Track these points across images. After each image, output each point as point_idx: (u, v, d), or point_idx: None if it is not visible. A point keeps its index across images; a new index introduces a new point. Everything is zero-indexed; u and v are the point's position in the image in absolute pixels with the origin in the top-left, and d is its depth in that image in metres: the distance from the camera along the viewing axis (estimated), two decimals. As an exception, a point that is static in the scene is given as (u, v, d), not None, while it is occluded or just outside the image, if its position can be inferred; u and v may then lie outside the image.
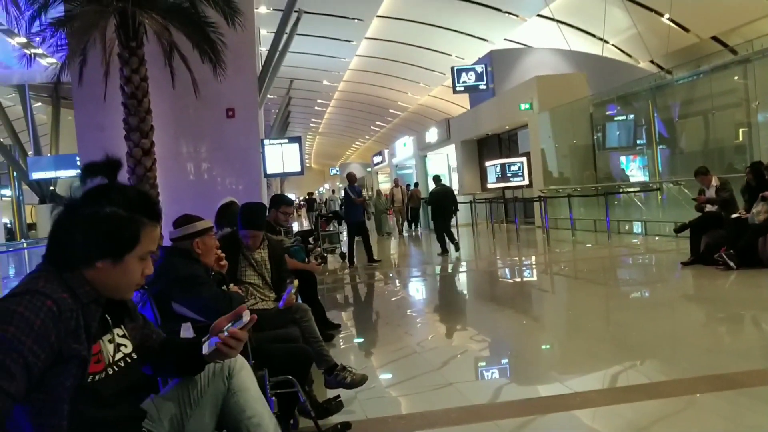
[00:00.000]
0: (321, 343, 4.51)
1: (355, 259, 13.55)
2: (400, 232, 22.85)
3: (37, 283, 1.72)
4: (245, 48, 10.12)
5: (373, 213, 20.70)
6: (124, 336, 2.00)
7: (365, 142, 62.94)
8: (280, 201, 6.80)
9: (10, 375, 1.57)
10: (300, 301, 6.12)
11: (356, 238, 13.92)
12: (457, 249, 14.24)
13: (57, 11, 8.10)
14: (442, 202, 14.69)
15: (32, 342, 1.61)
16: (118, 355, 1.93)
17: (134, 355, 2.01)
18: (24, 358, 1.59)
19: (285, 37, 14.27)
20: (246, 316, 2.05)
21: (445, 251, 14.27)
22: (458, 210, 15.83)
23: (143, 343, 2.10)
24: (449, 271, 12.63)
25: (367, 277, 12.41)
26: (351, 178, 14.16)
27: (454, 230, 14.85)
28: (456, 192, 27.21)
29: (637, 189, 15.87)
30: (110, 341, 1.92)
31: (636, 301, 8.19)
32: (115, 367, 1.90)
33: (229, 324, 2.09)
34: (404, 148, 36.39)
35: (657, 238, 13.97)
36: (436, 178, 15.77)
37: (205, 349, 2.06)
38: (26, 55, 9.44)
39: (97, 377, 1.82)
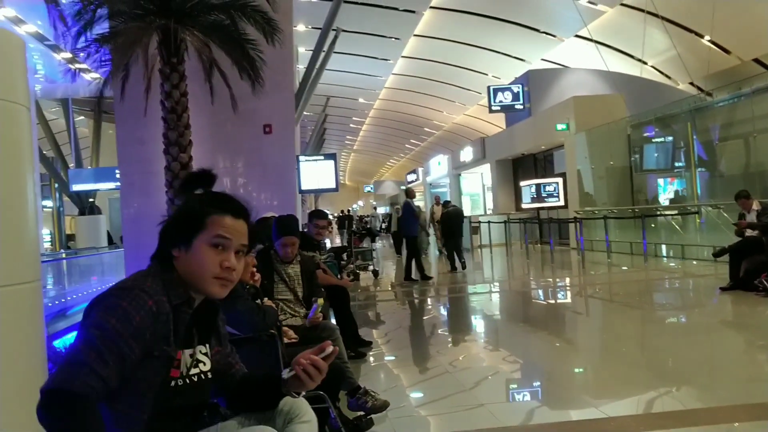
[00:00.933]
0: (346, 364, 4.51)
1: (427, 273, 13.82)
2: (440, 251, 22.32)
3: (144, 281, 1.87)
4: (283, 65, 10.23)
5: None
6: (206, 354, 2.04)
7: (399, 159, 63.03)
8: (312, 215, 6.86)
9: (104, 362, 1.68)
10: (333, 315, 6.14)
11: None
12: (464, 267, 14.80)
13: (102, 27, 8.27)
14: (456, 222, 15.32)
15: (129, 336, 1.74)
16: (194, 371, 1.98)
17: (210, 375, 2.04)
18: (120, 349, 1.72)
19: (322, 54, 14.40)
20: (329, 349, 2.07)
21: (454, 268, 14.88)
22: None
23: (225, 370, 2.14)
24: (483, 291, 12.56)
25: (400, 294, 12.38)
26: (411, 193, 14.67)
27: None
28: (490, 211, 27.28)
29: (675, 212, 15.65)
30: (191, 355, 1.97)
31: (672, 327, 8.05)
32: (187, 380, 1.95)
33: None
34: (438, 166, 36.37)
35: (695, 262, 13.74)
36: (446, 202, 16.55)
37: (285, 374, 2.06)
38: (71, 70, 9.63)
39: (172, 383, 1.90)
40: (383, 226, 35.37)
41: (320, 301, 4.39)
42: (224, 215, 1.98)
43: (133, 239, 10.13)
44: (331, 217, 47.44)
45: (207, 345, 2.05)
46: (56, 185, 25.76)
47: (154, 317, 1.79)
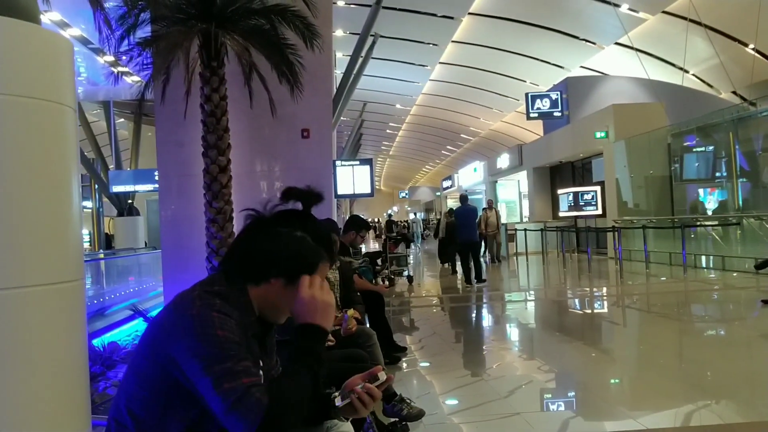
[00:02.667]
0: (383, 370, 4.51)
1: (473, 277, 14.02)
2: (494, 259, 20.42)
3: (213, 301, 1.80)
4: (322, 70, 10.25)
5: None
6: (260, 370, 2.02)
7: (435, 166, 62.97)
8: (361, 224, 6.90)
9: (247, 371, 1.70)
10: (367, 321, 6.14)
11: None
12: (455, 271, 15.17)
13: (144, 32, 8.37)
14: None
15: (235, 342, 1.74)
16: None
17: None
18: (239, 345, 1.74)
19: (360, 60, 14.44)
20: (382, 376, 2.04)
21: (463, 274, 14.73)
22: None
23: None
24: (518, 299, 12.48)
25: (435, 301, 12.36)
26: (464, 198, 15.05)
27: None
28: (526, 219, 27.12)
29: (716, 222, 15.38)
30: None
31: (712, 339, 7.90)
32: None
33: (363, 382, 2.05)
34: (475, 173, 36.25)
35: (735, 274, 13.48)
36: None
37: (338, 401, 2.03)
38: (113, 73, 9.76)
39: None
40: (423, 232, 35.26)
41: (350, 312, 4.40)
42: (327, 263, 2.01)
43: (170, 241, 10.22)
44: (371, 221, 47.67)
45: (260, 360, 2.02)
46: (96, 186, 26.19)
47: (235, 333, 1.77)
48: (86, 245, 27.94)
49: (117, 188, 22.54)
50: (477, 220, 15.38)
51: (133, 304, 9.82)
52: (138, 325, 8.58)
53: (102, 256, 19.83)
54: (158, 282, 11.99)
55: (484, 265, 17.06)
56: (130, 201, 24.34)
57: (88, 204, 28.09)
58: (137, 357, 1.84)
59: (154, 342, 1.79)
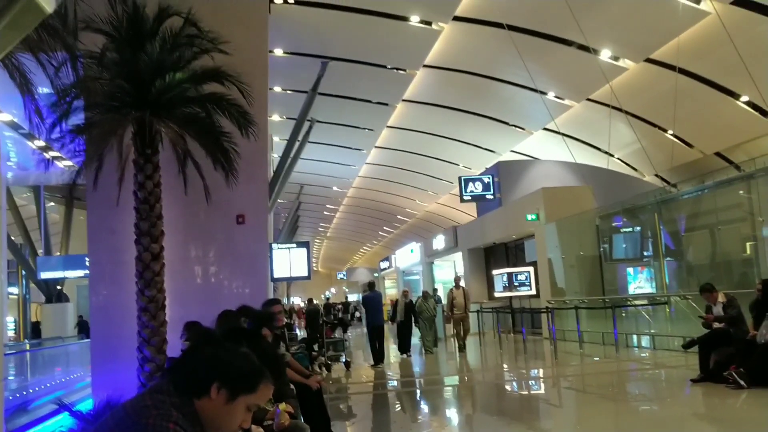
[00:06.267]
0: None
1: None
2: (461, 347, 16.97)
3: (170, 413, 1.79)
4: (257, 156, 10.34)
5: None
6: None
7: (373, 247, 63.21)
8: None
9: None
10: (301, 413, 6.03)
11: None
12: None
13: (78, 118, 8.34)
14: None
15: None
16: None
17: None
18: None
19: (297, 144, 14.63)
20: None
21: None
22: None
23: None
24: (456, 381, 12.44)
25: (374, 387, 12.22)
26: (372, 284, 16.03)
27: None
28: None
29: (645, 302, 15.76)
30: None
31: (645, 419, 8.00)
32: None
33: None
34: (411, 254, 36.48)
35: (666, 352, 13.76)
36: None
37: None
38: (44, 158, 9.65)
39: None
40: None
41: (282, 406, 4.36)
42: (270, 387, 2.00)
43: (101, 329, 9.94)
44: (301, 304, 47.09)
45: None
46: (23, 272, 25.36)
47: None
48: (11, 333, 26.80)
49: (46, 274, 21.88)
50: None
51: (58, 398, 9.41)
52: (63, 420, 8.20)
53: (27, 347, 19.04)
54: (87, 372, 11.56)
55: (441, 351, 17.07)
56: (59, 287, 23.58)
57: (15, 290, 27.10)
58: None
59: None
